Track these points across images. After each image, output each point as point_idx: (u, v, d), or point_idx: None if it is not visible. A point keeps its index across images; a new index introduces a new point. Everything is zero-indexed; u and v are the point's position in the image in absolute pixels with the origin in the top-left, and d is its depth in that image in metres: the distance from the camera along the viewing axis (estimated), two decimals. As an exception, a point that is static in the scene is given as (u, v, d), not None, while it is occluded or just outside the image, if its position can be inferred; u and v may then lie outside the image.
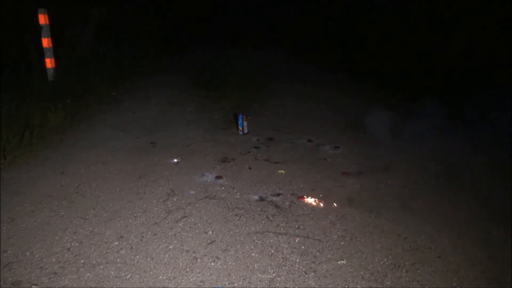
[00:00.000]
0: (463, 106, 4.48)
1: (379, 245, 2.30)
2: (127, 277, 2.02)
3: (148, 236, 2.38)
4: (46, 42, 5.20)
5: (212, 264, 2.13)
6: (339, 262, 2.15)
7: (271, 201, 2.81)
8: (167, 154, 3.64)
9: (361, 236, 2.39)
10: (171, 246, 2.28)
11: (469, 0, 5.93)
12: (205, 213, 2.64)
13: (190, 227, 2.47)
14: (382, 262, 2.15)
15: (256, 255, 2.21)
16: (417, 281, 2.01)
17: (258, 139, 4.08)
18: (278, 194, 2.90)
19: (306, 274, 2.06)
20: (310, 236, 2.38)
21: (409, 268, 2.11)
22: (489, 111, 4.27)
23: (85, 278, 2.01)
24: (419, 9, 6.88)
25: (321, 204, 2.76)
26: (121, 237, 2.36)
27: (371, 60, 7.10)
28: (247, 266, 2.11)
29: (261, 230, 2.45)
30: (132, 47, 7.80)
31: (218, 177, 3.17)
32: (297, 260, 2.16)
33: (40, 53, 5.22)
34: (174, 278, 2.02)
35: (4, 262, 2.11)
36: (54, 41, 5.28)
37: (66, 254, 2.19)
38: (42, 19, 5.14)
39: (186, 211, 2.66)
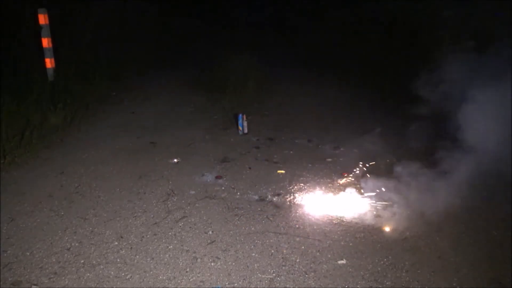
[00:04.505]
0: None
1: (379, 245, 2.30)
2: (127, 277, 2.02)
3: (148, 236, 2.38)
4: (46, 42, 5.19)
5: (212, 264, 2.13)
6: (339, 262, 2.15)
7: (271, 201, 2.81)
8: (167, 154, 3.64)
9: (361, 236, 2.39)
10: (171, 246, 2.28)
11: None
12: (205, 213, 2.64)
13: (190, 227, 2.47)
14: (382, 262, 2.15)
15: (256, 255, 2.21)
16: (417, 281, 2.02)
17: (258, 139, 4.08)
18: (278, 194, 2.90)
19: (306, 274, 2.06)
20: (310, 236, 2.38)
21: (409, 268, 2.11)
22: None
23: (85, 278, 2.01)
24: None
25: (321, 204, 2.76)
26: (121, 237, 2.36)
27: (373, 61, 7.09)
28: (247, 266, 2.11)
29: (261, 230, 2.45)
30: (132, 46, 7.79)
31: (218, 177, 3.17)
32: (297, 260, 2.16)
33: (40, 53, 5.22)
34: (174, 278, 2.02)
35: (4, 262, 2.11)
36: (54, 41, 5.28)
37: (66, 254, 2.19)
38: (42, 19, 5.13)
39: (186, 211, 2.66)
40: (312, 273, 2.06)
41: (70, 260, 2.14)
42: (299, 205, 2.75)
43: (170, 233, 2.41)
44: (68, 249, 2.24)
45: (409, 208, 2.68)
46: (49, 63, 5.26)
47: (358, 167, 3.37)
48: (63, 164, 3.39)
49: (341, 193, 2.91)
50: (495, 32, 4.01)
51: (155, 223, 2.52)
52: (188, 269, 2.08)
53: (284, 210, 2.69)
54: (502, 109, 2.87)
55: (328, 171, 3.31)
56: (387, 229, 2.47)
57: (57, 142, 3.91)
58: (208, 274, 2.05)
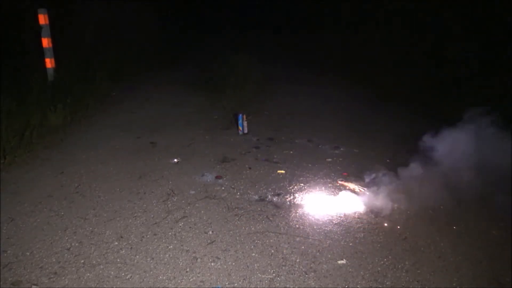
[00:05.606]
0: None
1: (379, 245, 2.30)
2: (127, 277, 2.02)
3: (148, 236, 2.38)
4: (46, 42, 5.19)
5: (212, 264, 2.13)
6: (339, 262, 2.15)
7: (271, 201, 2.81)
8: (167, 154, 3.64)
9: (361, 236, 2.39)
10: (171, 246, 2.28)
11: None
12: (205, 213, 2.64)
13: (190, 227, 2.47)
14: (382, 262, 2.15)
15: (256, 255, 2.21)
16: (417, 281, 2.02)
17: (258, 139, 4.08)
18: (278, 194, 2.90)
19: (306, 274, 2.06)
20: (310, 236, 2.38)
21: (409, 268, 2.11)
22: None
23: (85, 278, 2.01)
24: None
25: (321, 204, 2.76)
26: (121, 237, 2.36)
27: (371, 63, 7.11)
28: (247, 266, 2.11)
29: (261, 230, 2.45)
30: (132, 47, 7.80)
31: (218, 177, 3.17)
32: (297, 260, 2.16)
33: (40, 53, 5.22)
34: (174, 278, 2.02)
35: (4, 262, 2.11)
36: (54, 41, 5.28)
37: (66, 254, 2.19)
38: (42, 19, 5.14)
39: (186, 211, 2.66)
40: (312, 273, 2.06)
41: (70, 260, 2.14)
42: (299, 205, 2.75)
43: (170, 233, 2.40)
44: (68, 249, 2.24)
45: (409, 208, 2.69)
46: (49, 63, 5.26)
47: (358, 167, 3.37)
48: (63, 164, 3.39)
49: (341, 193, 2.92)
50: None
51: (155, 223, 2.52)
52: (188, 269, 2.08)
53: (284, 210, 2.69)
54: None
55: (328, 171, 3.31)
56: (387, 229, 2.47)
57: (57, 142, 3.91)
58: (208, 274, 2.05)
